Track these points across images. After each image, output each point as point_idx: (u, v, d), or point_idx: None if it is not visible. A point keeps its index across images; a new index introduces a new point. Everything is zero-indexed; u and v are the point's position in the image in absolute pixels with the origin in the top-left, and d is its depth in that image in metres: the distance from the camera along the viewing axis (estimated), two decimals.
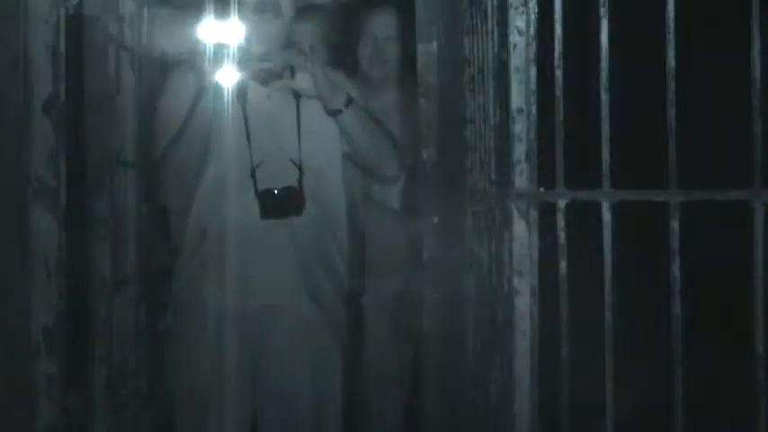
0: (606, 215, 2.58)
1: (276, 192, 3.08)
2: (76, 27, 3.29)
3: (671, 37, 2.58)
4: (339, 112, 3.09)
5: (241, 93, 3.09)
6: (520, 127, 2.63)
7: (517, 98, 2.63)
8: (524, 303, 2.63)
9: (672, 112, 2.59)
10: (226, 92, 2.98)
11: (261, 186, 3.09)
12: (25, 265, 2.83)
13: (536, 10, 2.63)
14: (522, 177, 2.61)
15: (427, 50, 2.99)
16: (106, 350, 3.49)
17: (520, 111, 2.62)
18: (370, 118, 3.19)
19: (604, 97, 2.58)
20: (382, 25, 3.67)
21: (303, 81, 3.03)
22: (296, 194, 3.10)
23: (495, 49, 2.70)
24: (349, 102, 3.09)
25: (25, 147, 2.83)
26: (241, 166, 3.09)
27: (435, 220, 2.97)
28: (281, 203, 3.08)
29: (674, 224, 2.58)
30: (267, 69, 2.99)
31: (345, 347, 3.20)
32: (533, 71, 2.63)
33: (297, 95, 3.17)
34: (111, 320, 3.50)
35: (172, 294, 3.20)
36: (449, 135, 2.94)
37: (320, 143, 3.16)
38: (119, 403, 3.51)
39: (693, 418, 2.61)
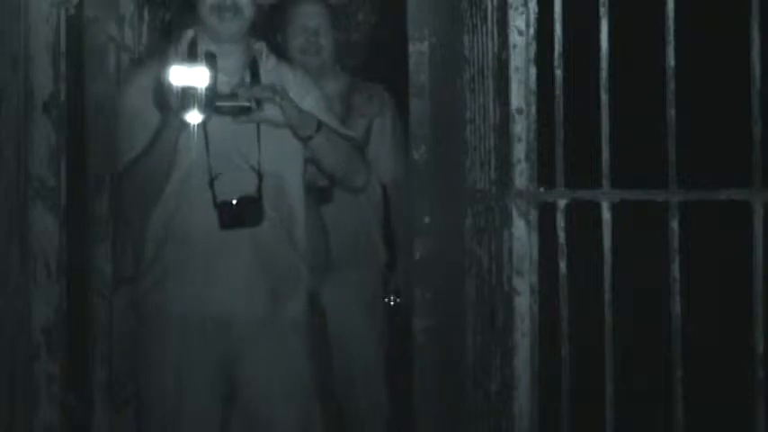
0: (606, 215, 2.58)
1: (234, 202, 3.02)
2: (76, 27, 3.30)
3: (671, 37, 2.58)
4: (310, 138, 3.06)
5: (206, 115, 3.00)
6: (520, 127, 2.63)
7: (517, 98, 2.63)
8: (524, 303, 2.63)
9: (672, 112, 2.59)
10: (191, 125, 2.92)
11: (219, 197, 3.02)
12: (25, 265, 2.83)
13: (536, 10, 2.63)
14: (522, 177, 2.61)
15: (418, 50, 2.99)
16: (106, 350, 3.50)
17: (520, 111, 2.62)
18: (339, 136, 3.15)
19: (604, 97, 2.58)
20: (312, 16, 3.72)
21: (271, 112, 2.98)
22: (254, 204, 3.04)
23: (495, 49, 2.71)
24: (319, 126, 3.05)
25: (25, 147, 2.83)
26: (201, 176, 3.03)
27: (427, 219, 2.98)
28: (239, 214, 3.02)
29: (674, 224, 2.58)
30: (234, 106, 2.94)
31: (311, 348, 3.16)
32: (533, 71, 2.63)
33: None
34: (111, 320, 3.51)
35: (134, 302, 3.15)
36: (443, 135, 2.94)
37: (280, 146, 3.09)
38: (119, 403, 3.52)
39: (693, 418, 2.61)
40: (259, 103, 2.98)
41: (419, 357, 2.98)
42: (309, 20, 3.71)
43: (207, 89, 2.81)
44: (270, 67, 3.16)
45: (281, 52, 3.54)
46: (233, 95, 2.93)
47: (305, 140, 3.07)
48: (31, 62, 2.84)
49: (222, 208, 3.01)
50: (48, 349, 2.85)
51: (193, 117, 2.82)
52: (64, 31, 2.90)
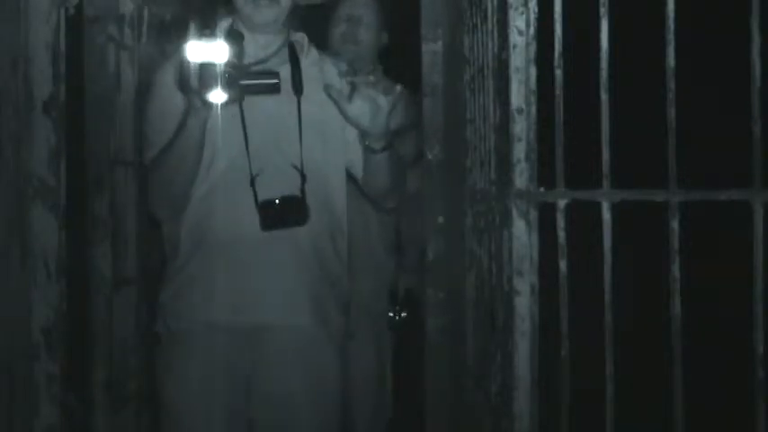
0: (606, 215, 2.58)
1: (277, 201, 2.89)
2: (76, 27, 3.30)
3: (671, 37, 2.58)
4: (381, 151, 2.92)
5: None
6: (520, 127, 2.63)
7: (517, 98, 2.63)
8: (524, 303, 2.63)
9: (672, 112, 2.59)
10: (217, 109, 2.76)
11: (261, 196, 2.90)
12: (25, 265, 2.83)
13: (536, 10, 2.63)
14: (522, 177, 2.61)
15: (432, 50, 2.99)
16: (106, 350, 3.50)
17: (520, 111, 2.61)
18: (399, 161, 3.02)
19: (604, 97, 2.58)
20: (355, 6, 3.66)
21: (358, 110, 2.83)
22: (298, 204, 2.91)
23: (495, 49, 2.70)
24: (391, 141, 2.93)
25: (25, 147, 2.83)
26: (240, 174, 2.91)
27: (441, 219, 2.97)
28: (282, 214, 2.90)
29: (674, 224, 2.58)
30: (261, 84, 2.74)
31: (346, 362, 3.05)
32: (533, 71, 2.63)
33: (297, 91, 2.98)
34: (111, 320, 3.51)
35: (160, 303, 3.05)
36: (453, 135, 2.94)
37: (323, 144, 2.98)
38: (119, 403, 3.52)
39: (693, 418, 2.61)
40: (351, 96, 2.84)
41: (432, 358, 2.97)
42: (354, 8, 3.66)
43: (230, 66, 2.66)
44: (310, 61, 3.03)
45: (323, 43, 3.47)
46: (259, 73, 2.80)
47: (372, 152, 2.93)
48: (31, 62, 2.83)
49: (264, 208, 2.89)
50: (48, 349, 2.84)
51: (216, 96, 2.66)
52: (64, 31, 2.90)
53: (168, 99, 2.89)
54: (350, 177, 3.11)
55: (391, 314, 3.77)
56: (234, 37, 2.73)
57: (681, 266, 2.59)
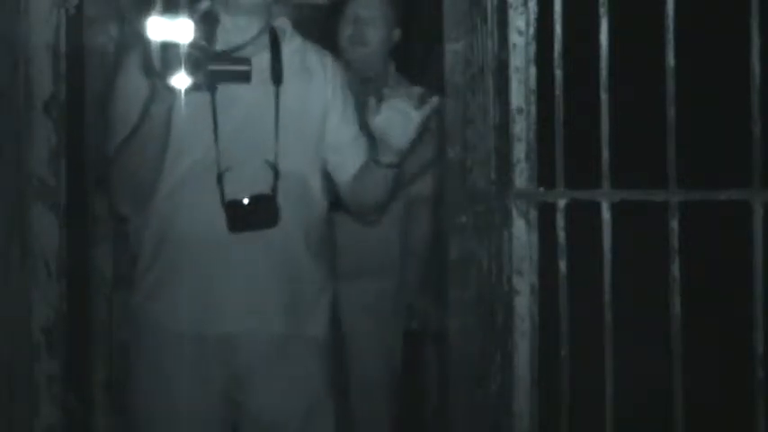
0: (606, 215, 2.58)
1: (246, 201, 2.66)
2: (76, 27, 3.30)
3: (671, 37, 2.58)
4: (392, 167, 2.71)
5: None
6: (520, 127, 2.63)
7: (517, 98, 2.63)
8: (524, 303, 2.63)
9: (672, 112, 2.59)
10: (180, 95, 2.49)
11: (229, 195, 2.66)
12: (25, 265, 2.83)
13: (536, 10, 2.63)
14: (522, 177, 2.61)
15: (454, 50, 2.98)
16: (106, 350, 3.50)
17: (520, 111, 2.62)
18: (401, 177, 2.84)
19: (604, 97, 2.58)
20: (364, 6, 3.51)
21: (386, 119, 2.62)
22: (268, 203, 2.67)
23: (495, 49, 2.70)
24: (402, 160, 2.74)
25: (25, 147, 2.83)
26: (208, 170, 2.68)
27: (463, 219, 2.96)
28: (251, 214, 2.66)
29: (674, 224, 2.58)
30: (231, 71, 2.48)
31: (332, 372, 2.81)
32: (533, 71, 2.63)
33: (276, 80, 2.75)
34: (111, 320, 3.51)
35: (129, 309, 2.82)
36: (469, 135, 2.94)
37: (299, 138, 2.74)
38: (119, 403, 3.52)
39: (693, 418, 2.61)
40: (379, 106, 2.60)
41: (455, 360, 2.97)
42: (362, 8, 3.51)
43: (197, 48, 2.39)
44: (292, 49, 2.80)
45: (332, 44, 3.29)
46: (229, 59, 2.54)
47: (378, 165, 2.72)
48: (31, 62, 2.83)
49: (232, 207, 2.66)
50: (48, 349, 2.84)
51: (180, 81, 2.39)
52: (64, 31, 2.89)
53: (134, 84, 2.64)
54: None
55: (413, 324, 3.67)
56: (207, 19, 2.49)
57: (681, 266, 2.59)
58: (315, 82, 2.80)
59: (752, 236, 2.57)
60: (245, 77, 2.52)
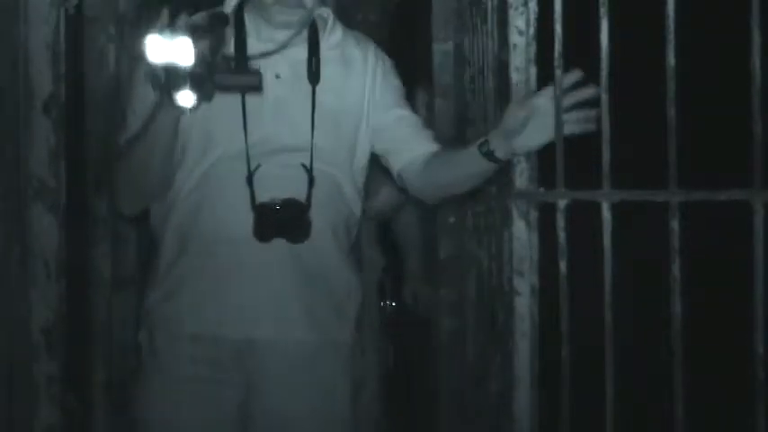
0: (606, 215, 2.58)
1: (278, 207, 2.50)
2: (76, 27, 3.30)
3: (671, 37, 2.58)
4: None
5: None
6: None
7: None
8: (524, 303, 2.63)
9: (672, 112, 2.59)
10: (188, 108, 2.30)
11: (260, 197, 2.50)
12: (25, 265, 2.83)
13: (536, 10, 2.63)
14: (522, 177, 2.61)
15: (443, 50, 2.98)
16: (106, 350, 3.50)
17: None
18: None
19: (604, 97, 2.58)
20: None
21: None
22: (302, 213, 2.51)
23: (495, 49, 2.70)
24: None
25: (25, 147, 2.83)
26: (236, 168, 2.52)
27: (452, 219, 2.97)
28: (281, 222, 2.50)
29: (674, 224, 2.58)
30: (240, 84, 2.35)
31: (351, 371, 2.66)
32: (533, 71, 2.63)
33: (313, 79, 2.58)
34: (111, 320, 3.51)
35: (146, 308, 2.66)
36: (460, 134, 2.94)
37: (336, 140, 2.59)
38: (119, 403, 3.52)
39: (694, 418, 2.61)
40: None
41: (445, 359, 2.97)
42: None
43: (200, 66, 2.22)
44: (334, 41, 2.63)
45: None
46: (239, 69, 2.42)
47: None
48: (31, 62, 2.83)
49: (262, 212, 2.50)
50: (47, 349, 2.84)
51: (185, 99, 2.24)
52: (64, 31, 2.90)
53: (142, 89, 2.44)
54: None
55: (381, 304, 3.75)
56: (217, 22, 2.34)
57: (681, 266, 2.59)
58: (354, 76, 2.63)
59: (752, 236, 2.57)
60: (255, 88, 2.38)
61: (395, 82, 2.69)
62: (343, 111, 2.61)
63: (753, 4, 2.58)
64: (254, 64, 2.46)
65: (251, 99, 2.47)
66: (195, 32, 2.22)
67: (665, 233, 2.58)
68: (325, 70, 2.60)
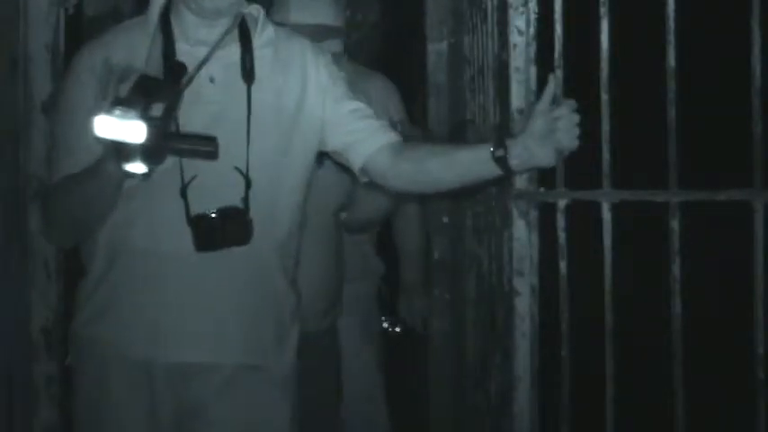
0: (606, 215, 2.58)
1: (214, 216, 2.34)
2: (76, 27, 3.30)
3: (671, 37, 2.58)
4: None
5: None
6: (521, 127, 2.63)
7: (517, 98, 2.63)
8: (524, 303, 2.63)
9: (672, 112, 2.59)
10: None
11: (195, 209, 2.33)
12: (25, 265, 2.83)
13: (536, 10, 2.63)
14: (522, 177, 2.61)
15: (437, 50, 2.98)
16: None
17: (520, 111, 2.61)
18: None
19: (604, 97, 2.58)
20: None
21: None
22: (240, 217, 2.36)
23: (495, 49, 2.70)
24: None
25: (25, 147, 2.83)
26: (170, 181, 2.33)
27: (445, 219, 2.97)
28: (220, 231, 2.34)
29: (674, 224, 2.58)
30: (196, 150, 2.19)
31: (293, 398, 2.47)
32: (533, 71, 2.63)
33: (248, 78, 2.43)
34: None
35: (72, 328, 2.45)
36: (456, 134, 2.94)
37: (274, 143, 2.43)
38: None
39: (694, 418, 2.61)
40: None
41: (436, 360, 2.97)
42: None
43: (154, 137, 2.08)
44: (266, 39, 2.46)
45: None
46: (194, 137, 2.23)
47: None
48: (31, 62, 2.84)
49: (198, 223, 2.34)
50: (47, 350, 2.84)
51: (137, 168, 2.13)
52: (63, 31, 2.90)
53: (87, 118, 2.19)
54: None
55: (386, 326, 3.63)
56: (175, 72, 2.23)
57: (681, 266, 2.59)
58: (292, 73, 2.48)
59: (752, 236, 2.57)
60: (210, 156, 2.22)
61: (340, 74, 2.53)
62: (280, 109, 2.44)
63: (753, 4, 2.58)
64: (190, 76, 2.33)
65: (185, 106, 2.28)
66: (149, 98, 2.11)
67: (666, 233, 2.58)
68: (260, 69, 2.44)
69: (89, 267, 2.40)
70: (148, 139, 2.08)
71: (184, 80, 2.29)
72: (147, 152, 2.11)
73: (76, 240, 2.43)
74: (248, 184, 2.37)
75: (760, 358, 2.58)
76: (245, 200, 2.36)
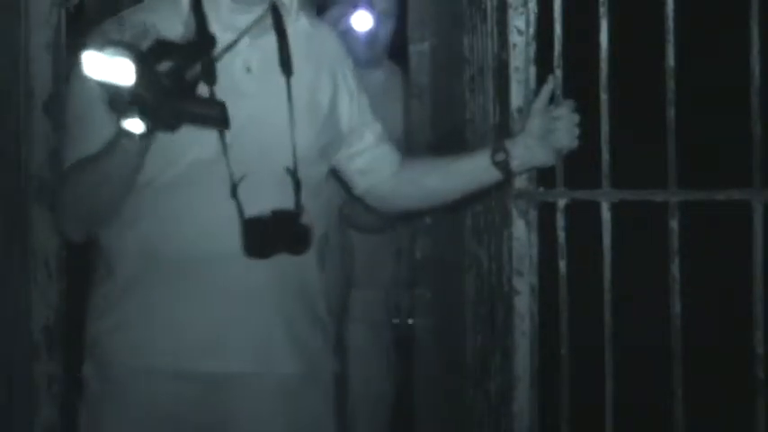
0: (606, 215, 2.58)
1: (269, 219, 2.19)
2: (76, 27, 3.30)
3: (671, 37, 2.58)
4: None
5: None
6: (520, 127, 2.63)
7: (517, 98, 2.63)
8: (524, 303, 2.63)
9: (671, 112, 2.59)
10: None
11: (248, 211, 2.18)
12: (25, 265, 2.83)
13: (536, 10, 2.63)
14: (521, 177, 2.61)
15: (419, 51, 2.98)
16: None
17: (520, 111, 2.61)
18: None
19: (604, 97, 2.58)
20: None
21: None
22: (293, 222, 2.22)
23: (495, 49, 2.70)
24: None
25: (25, 147, 2.83)
26: (216, 180, 2.19)
27: (428, 220, 2.97)
28: (274, 236, 2.20)
29: (674, 224, 2.58)
30: (205, 114, 2.00)
31: (332, 404, 2.38)
32: (533, 71, 2.63)
33: (286, 70, 2.28)
34: None
35: (92, 338, 2.30)
36: (445, 136, 2.94)
37: (315, 140, 2.30)
38: None
39: (693, 418, 2.61)
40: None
41: (422, 359, 2.97)
42: None
43: (148, 86, 1.89)
44: (300, 29, 2.33)
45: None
46: (199, 100, 2.02)
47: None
48: (31, 62, 2.84)
49: (252, 227, 2.17)
50: (48, 349, 2.85)
51: (134, 125, 1.94)
52: (64, 31, 2.90)
53: (92, 101, 2.09)
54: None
55: (396, 321, 3.58)
56: (201, 44, 2.08)
57: (681, 266, 2.59)
58: (324, 70, 2.36)
59: (752, 236, 2.57)
60: (219, 123, 2.02)
61: (361, 84, 2.44)
62: (315, 106, 2.32)
63: (753, 4, 2.58)
64: (219, 55, 2.19)
65: (221, 96, 2.12)
66: (162, 51, 1.94)
67: (665, 233, 2.58)
68: (295, 61, 2.30)
69: (114, 269, 2.26)
70: (140, 86, 1.89)
71: (213, 54, 2.13)
72: (144, 105, 1.92)
73: (89, 229, 2.28)
74: (298, 186, 2.23)
75: (760, 358, 2.58)
76: (297, 203, 2.22)
